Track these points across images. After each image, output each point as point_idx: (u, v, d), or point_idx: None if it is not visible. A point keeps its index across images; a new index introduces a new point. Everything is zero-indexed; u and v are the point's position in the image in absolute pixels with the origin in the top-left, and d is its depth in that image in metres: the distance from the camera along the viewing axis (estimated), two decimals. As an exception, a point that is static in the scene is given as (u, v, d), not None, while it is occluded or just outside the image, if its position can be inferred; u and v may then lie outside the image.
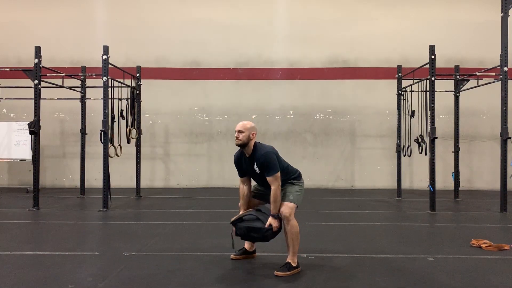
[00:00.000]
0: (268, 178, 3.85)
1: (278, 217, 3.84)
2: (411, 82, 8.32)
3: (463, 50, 10.40)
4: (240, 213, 4.05)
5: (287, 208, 3.85)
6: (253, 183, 4.22)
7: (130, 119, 8.30)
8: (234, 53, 10.92)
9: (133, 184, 9.17)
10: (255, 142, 3.98)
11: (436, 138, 7.22)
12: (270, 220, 3.83)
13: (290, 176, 4.03)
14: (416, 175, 10.53)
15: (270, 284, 3.62)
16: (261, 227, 3.84)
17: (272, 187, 3.83)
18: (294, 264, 3.85)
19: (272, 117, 10.83)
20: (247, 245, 4.32)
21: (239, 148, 4.04)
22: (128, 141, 8.22)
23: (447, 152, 9.61)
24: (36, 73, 7.27)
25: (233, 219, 3.98)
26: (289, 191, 3.95)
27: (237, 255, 4.28)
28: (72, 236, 5.45)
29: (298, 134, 10.84)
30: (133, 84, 8.57)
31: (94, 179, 10.01)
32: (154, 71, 10.69)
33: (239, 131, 3.93)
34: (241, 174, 4.15)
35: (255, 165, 3.94)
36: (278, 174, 3.86)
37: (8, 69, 8.52)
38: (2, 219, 6.47)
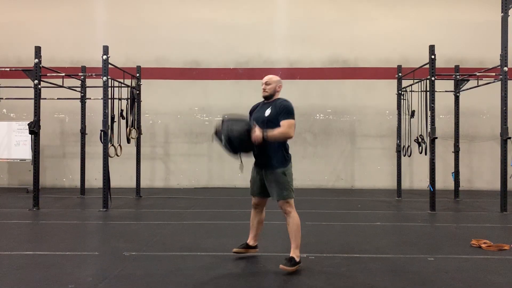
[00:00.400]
0: (282, 122, 3.83)
1: (265, 134, 3.74)
2: (411, 82, 8.32)
3: (463, 50, 10.40)
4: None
5: (285, 204, 3.92)
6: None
7: (130, 119, 8.30)
8: (234, 53, 10.92)
9: (133, 184, 9.17)
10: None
11: (436, 138, 7.22)
12: (256, 127, 3.76)
13: (287, 156, 4.00)
14: (416, 175, 10.53)
15: (270, 284, 3.63)
16: (243, 124, 3.76)
17: (283, 130, 3.80)
18: (297, 259, 3.89)
19: (272, 117, 10.81)
20: (250, 240, 4.34)
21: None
22: (128, 141, 8.22)
23: (447, 152, 9.60)
24: (36, 73, 7.27)
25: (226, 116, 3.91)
26: (280, 187, 3.91)
27: (239, 249, 4.30)
28: (72, 236, 5.45)
29: (298, 134, 10.81)
30: (133, 84, 8.57)
31: (94, 179, 10.00)
32: (154, 71, 10.69)
33: (266, 83, 4.05)
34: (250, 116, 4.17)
35: (269, 109, 3.96)
36: (294, 122, 3.85)
37: (8, 69, 8.52)
38: (2, 219, 6.47)
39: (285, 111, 3.88)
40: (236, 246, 4.36)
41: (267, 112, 3.95)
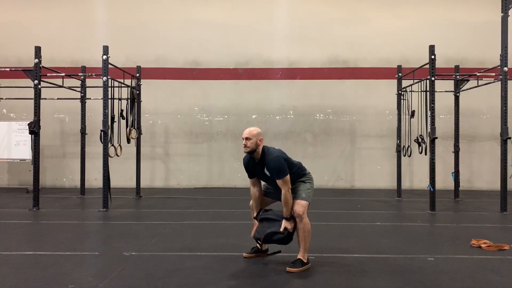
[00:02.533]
0: (277, 181, 3.93)
1: (291, 219, 3.93)
2: (411, 82, 8.32)
3: (463, 50, 10.40)
4: (255, 228, 4.15)
5: (300, 206, 3.95)
6: (263, 182, 4.26)
7: (130, 119, 8.29)
8: (234, 53, 10.91)
9: (133, 184, 9.17)
10: (263, 146, 4.05)
11: (436, 138, 7.22)
12: (284, 224, 3.93)
13: (301, 173, 4.12)
14: (416, 175, 10.53)
15: (270, 284, 3.63)
16: (280, 238, 3.95)
17: (282, 191, 3.92)
18: (305, 261, 3.94)
19: (272, 117, 10.83)
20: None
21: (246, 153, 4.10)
22: (128, 141, 8.22)
23: (447, 152, 9.60)
24: (36, 73, 7.27)
25: (253, 235, 4.12)
26: (301, 189, 4.04)
27: (250, 254, 4.32)
28: (72, 236, 5.44)
29: (298, 134, 10.83)
30: (133, 84, 8.57)
31: (94, 179, 10.00)
32: (154, 71, 10.68)
33: (247, 138, 3.99)
34: (250, 176, 4.21)
35: (265, 170, 4.02)
36: (287, 178, 3.92)
37: (8, 69, 8.52)
38: (2, 219, 6.47)
39: (276, 171, 3.91)
40: (245, 250, 4.38)
41: (267, 172, 4.01)
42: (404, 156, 8.53)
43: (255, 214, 4.22)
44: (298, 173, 4.09)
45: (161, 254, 4.45)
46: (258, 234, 4.06)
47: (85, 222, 6.45)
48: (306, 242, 3.95)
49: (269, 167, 3.96)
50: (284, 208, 3.92)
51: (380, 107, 10.72)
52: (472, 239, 4.97)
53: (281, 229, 3.92)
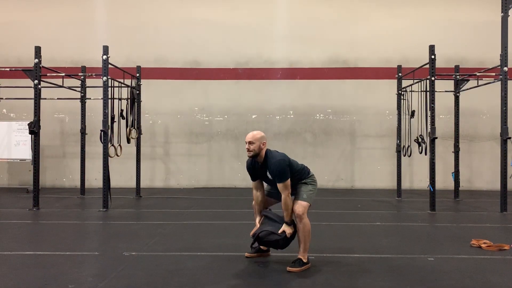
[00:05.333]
0: (278, 185, 3.95)
1: (291, 224, 3.94)
2: (411, 82, 8.32)
3: (463, 50, 10.40)
4: (255, 229, 4.11)
5: (301, 206, 3.95)
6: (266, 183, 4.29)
7: (130, 119, 8.30)
8: (234, 53, 10.92)
9: (133, 184, 9.17)
10: (266, 150, 4.06)
11: (436, 138, 7.22)
12: (284, 228, 3.94)
13: (304, 176, 4.13)
14: (416, 175, 10.53)
15: (270, 284, 3.63)
16: (277, 239, 3.96)
17: (283, 195, 3.93)
18: (305, 260, 3.95)
19: (272, 117, 10.83)
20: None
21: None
22: (128, 141, 8.22)
23: (447, 152, 9.60)
24: (36, 73, 7.27)
25: (252, 233, 4.10)
26: (303, 190, 4.05)
27: (252, 253, 4.32)
28: (72, 236, 5.45)
29: (298, 134, 10.83)
30: (133, 84, 8.57)
31: (94, 179, 10.00)
32: (154, 71, 10.68)
33: (250, 142, 4.00)
34: (253, 178, 4.22)
35: (267, 173, 4.03)
36: (288, 182, 3.94)
37: (8, 69, 8.52)
38: (2, 219, 6.48)
39: (278, 174, 3.93)
40: (245, 250, 4.39)
41: (269, 175, 4.03)
42: (404, 156, 8.53)
43: (257, 219, 4.20)
44: (300, 176, 4.09)
45: (161, 254, 4.45)
46: (256, 231, 4.07)
47: (85, 222, 6.45)
48: (306, 242, 3.96)
49: (270, 170, 3.97)
50: (285, 213, 3.94)
51: (380, 107, 10.72)
52: (472, 239, 4.97)
53: (280, 231, 3.94)
